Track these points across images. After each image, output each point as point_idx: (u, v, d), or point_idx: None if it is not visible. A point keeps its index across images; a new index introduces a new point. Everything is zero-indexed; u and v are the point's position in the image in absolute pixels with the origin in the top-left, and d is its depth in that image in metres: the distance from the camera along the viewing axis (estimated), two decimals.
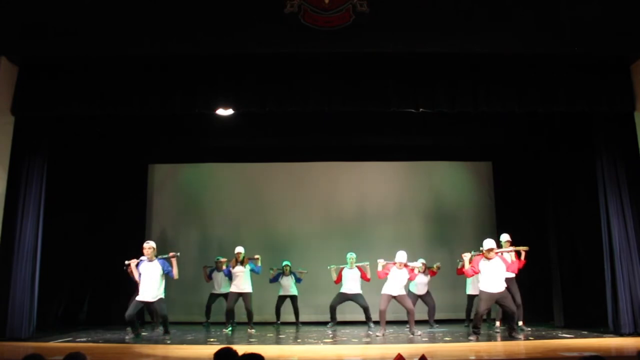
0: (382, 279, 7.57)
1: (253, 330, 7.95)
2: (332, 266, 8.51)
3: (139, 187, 9.92)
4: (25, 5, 6.55)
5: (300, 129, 8.82)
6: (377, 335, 7.27)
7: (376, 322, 7.93)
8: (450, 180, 10.24)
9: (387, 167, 10.25)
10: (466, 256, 7.19)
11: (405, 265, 7.50)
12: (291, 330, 8.29)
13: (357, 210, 9.98)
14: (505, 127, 8.81)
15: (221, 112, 7.21)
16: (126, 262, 7.23)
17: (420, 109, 6.95)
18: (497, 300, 6.85)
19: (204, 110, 7.05)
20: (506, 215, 9.59)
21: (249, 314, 8.11)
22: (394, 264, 7.49)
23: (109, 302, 8.94)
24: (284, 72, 6.92)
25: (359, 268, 8.39)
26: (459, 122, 8.44)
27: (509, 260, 7.13)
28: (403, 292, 7.55)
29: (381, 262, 7.57)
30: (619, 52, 6.73)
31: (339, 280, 8.44)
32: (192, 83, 6.91)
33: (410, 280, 7.75)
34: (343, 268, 8.43)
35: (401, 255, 7.52)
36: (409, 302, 7.54)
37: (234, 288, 8.08)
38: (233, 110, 7.15)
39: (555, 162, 8.62)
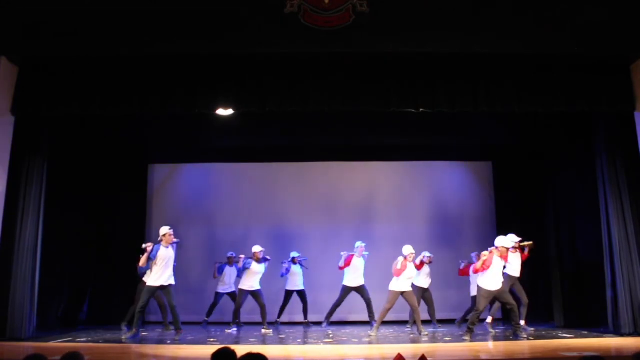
0: (399, 276, 7.54)
1: (269, 330, 7.90)
2: (343, 253, 8.43)
3: (139, 187, 9.92)
4: (25, 5, 6.55)
5: (301, 129, 8.82)
6: (370, 335, 7.29)
7: (359, 323, 7.94)
8: (450, 180, 10.24)
9: (387, 167, 10.26)
10: (486, 255, 7.18)
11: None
12: (292, 330, 8.29)
13: (358, 211, 9.98)
14: (505, 127, 8.81)
15: (221, 112, 7.21)
16: (143, 246, 7.16)
17: (420, 109, 6.95)
18: (495, 296, 6.87)
19: (204, 110, 7.05)
20: (506, 215, 9.60)
21: (264, 308, 8.06)
22: (406, 259, 7.52)
23: (109, 302, 8.93)
24: (284, 72, 6.92)
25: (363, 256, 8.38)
26: (459, 122, 8.44)
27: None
28: (410, 289, 7.60)
29: (400, 260, 7.55)
30: (619, 52, 6.73)
31: (346, 265, 8.30)
32: (192, 83, 6.92)
33: (417, 269, 7.82)
34: (353, 255, 8.35)
35: (409, 249, 7.59)
36: (414, 301, 7.57)
37: (245, 286, 8.10)
38: (233, 110, 7.15)
39: (555, 162, 8.63)
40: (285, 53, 6.67)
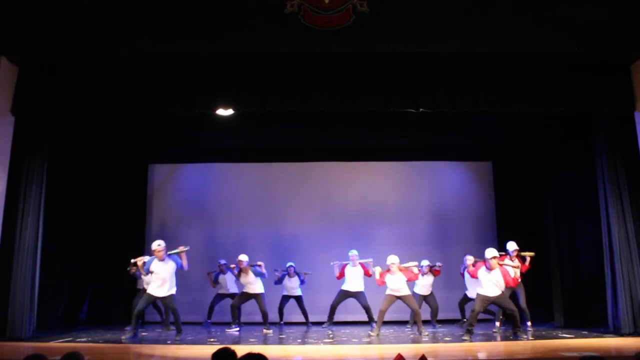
0: (382, 286, 7.57)
1: (270, 331, 7.86)
2: (334, 262, 8.39)
3: (139, 187, 9.92)
4: (25, 5, 6.55)
5: (301, 129, 8.82)
6: (370, 335, 7.28)
7: (360, 323, 7.96)
8: (450, 180, 10.24)
9: (387, 167, 10.26)
10: (470, 260, 7.18)
11: (400, 269, 7.49)
12: (292, 330, 8.28)
13: (358, 211, 9.97)
14: (505, 127, 8.81)
15: (221, 112, 7.21)
16: (132, 261, 7.18)
17: (420, 109, 6.95)
18: (494, 302, 6.88)
19: (204, 110, 7.04)
20: (506, 215, 9.59)
21: (264, 315, 8.01)
22: (389, 270, 7.46)
23: (109, 302, 8.94)
24: (284, 72, 6.92)
25: (362, 265, 8.26)
26: (459, 122, 8.44)
27: (512, 274, 7.08)
28: (407, 292, 7.53)
29: (378, 270, 7.57)
30: (619, 52, 6.73)
31: (341, 276, 8.33)
32: (192, 83, 6.91)
33: (410, 280, 7.64)
34: (346, 265, 8.32)
35: (392, 259, 7.50)
36: (414, 303, 7.55)
37: (244, 289, 8.12)
38: (233, 110, 7.15)
39: (555, 162, 8.63)
40: (285, 53, 6.66)
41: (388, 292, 7.49)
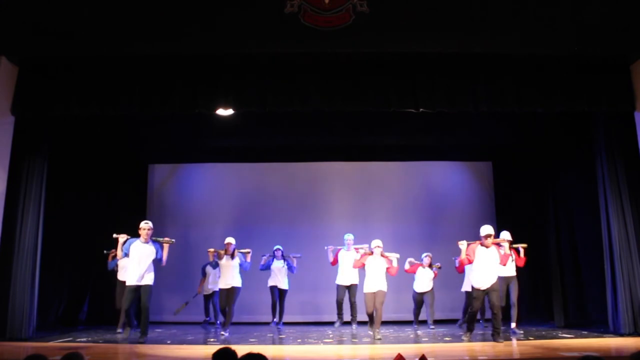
0: (357, 267, 7.40)
1: (226, 333, 7.33)
2: (328, 246, 8.14)
3: (139, 187, 9.93)
4: (25, 5, 6.55)
5: (300, 129, 8.83)
6: (376, 338, 7.24)
7: (360, 323, 7.92)
8: (450, 180, 10.25)
9: (387, 167, 10.27)
10: (463, 244, 6.78)
11: (383, 255, 7.18)
12: (292, 330, 8.27)
13: (357, 211, 9.98)
14: (505, 127, 8.82)
15: (221, 112, 7.21)
16: (114, 235, 6.96)
17: (420, 109, 6.95)
18: (487, 293, 6.60)
19: (204, 110, 7.04)
20: (506, 215, 9.60)
21: (225, 313, 7.55)
22: (371, 253, 7.22)
23: (109, 302, 8.92)
24: (284, 72, 6.92)
25: (356, 250, 7.68)
26: (459, 122, 8.45)
27: (502, 252, 6.80)
28: (380, 289, 7.13)
29: (361, 251, 7.41)
30: (619, 52, 6.73)
31: (335, 262, 8.04)
32: (192, 83, 6.91)
33: (387, 272, 7.23)
34: (340, 249, 8.04)
35: (376, 242, 7.23)
36: (380, 302, 7.14)
37: (222, 284, 7.61)
38: (233, 110, 7.15)
39: (555, 162, 8.63)
40: (285, 53, 6.67)
41: (365, 290, 7.21)
